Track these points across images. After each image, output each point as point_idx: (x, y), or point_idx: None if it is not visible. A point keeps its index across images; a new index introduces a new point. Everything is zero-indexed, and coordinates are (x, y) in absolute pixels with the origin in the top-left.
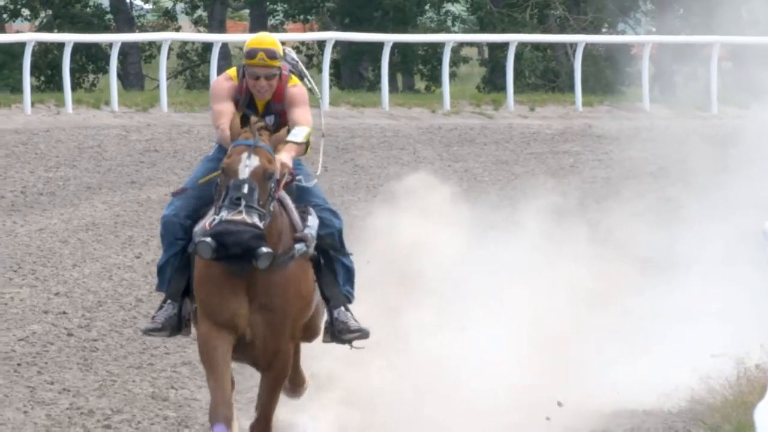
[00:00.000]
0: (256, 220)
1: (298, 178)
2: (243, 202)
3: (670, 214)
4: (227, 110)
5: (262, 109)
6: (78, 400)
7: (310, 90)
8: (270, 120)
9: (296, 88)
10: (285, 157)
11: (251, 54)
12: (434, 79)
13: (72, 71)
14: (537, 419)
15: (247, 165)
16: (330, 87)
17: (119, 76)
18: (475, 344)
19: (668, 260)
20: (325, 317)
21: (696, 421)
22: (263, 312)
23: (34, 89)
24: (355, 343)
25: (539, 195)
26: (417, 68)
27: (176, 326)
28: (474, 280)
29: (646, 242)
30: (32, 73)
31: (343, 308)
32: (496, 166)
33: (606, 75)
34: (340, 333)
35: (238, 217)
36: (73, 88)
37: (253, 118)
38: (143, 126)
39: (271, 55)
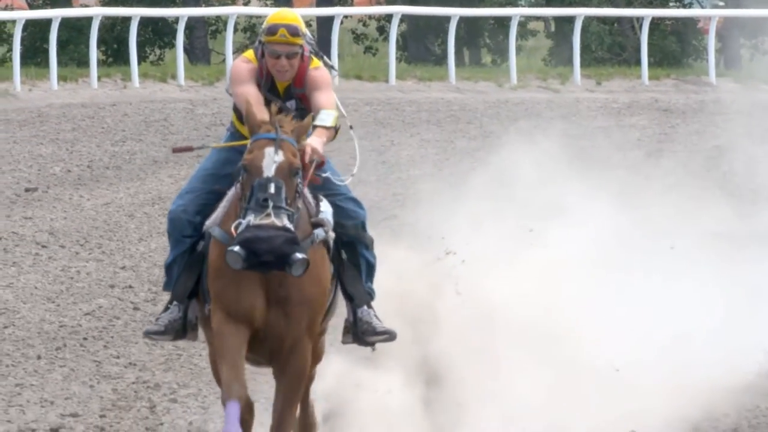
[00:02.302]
0: (285, 222)
1: (325, 174)
2: (270, 204)
3: (736, 187)
4: (252, 92)
5: (283, 92)
6: (144, 374)
7: (331, 68)
8: (291, 105)
9: (318, 71)
10: (316, 141)
11: (272, 30)
12: (501, 53)
13: (138, 45)
14: (604, 395)
15: (272, 161)
16: (398, 61)
17: (185, 51)
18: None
19: (733, 234)
20: (346, 317)
21: (764, 396)
22: (281, 303)
23: (101, 63)
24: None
25: (605, 169)
26: (484, 42)
27: (180, 330)
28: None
29: (712, 216)
30: (98, 47)
31: (366, 307)
32: (562, 140)
33: (672, 49)
34: (364, 334)
35: (266, 221)
36: (139, 62)
37: (273, 106)
38: (209, 100)
39: (294, 31)
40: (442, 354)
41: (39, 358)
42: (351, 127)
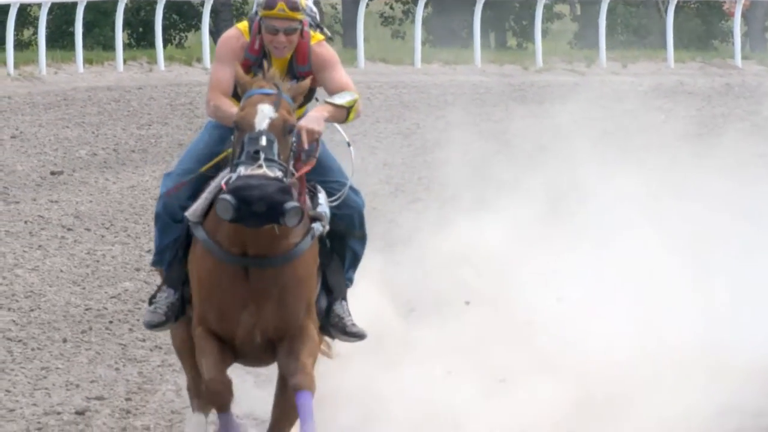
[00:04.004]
0: (278, 173)
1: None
2: (262, 155)
3: (763, 169)
4: (223, 78)
5: (281, 69)
6: (169, 357)
7: (329, 39)
8: (292, 84)
9: (323, 47)
10: (312, 119)
11: (270, 4)
12: (526, 35)
13: (163, 28)
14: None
15: (265, 116)
16: (423, 44)
17: (211, 33)
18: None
19: (759, 217)
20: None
21: None
22: (271, 309)
23: (126, 47)
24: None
25: (631, 152)
26: (509, 25)
27: (180, 311)
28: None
29: (738, 198)
30: (123, 30)
31: (342, 300)
32: (587, 123)
33: (698, 32)
34: (333, 327)
35: (258, 172)
36: (165, 46)
37: (266, 62)
38: None
39: (293, 6)
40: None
41: (65, 341)
42: (349, 144)
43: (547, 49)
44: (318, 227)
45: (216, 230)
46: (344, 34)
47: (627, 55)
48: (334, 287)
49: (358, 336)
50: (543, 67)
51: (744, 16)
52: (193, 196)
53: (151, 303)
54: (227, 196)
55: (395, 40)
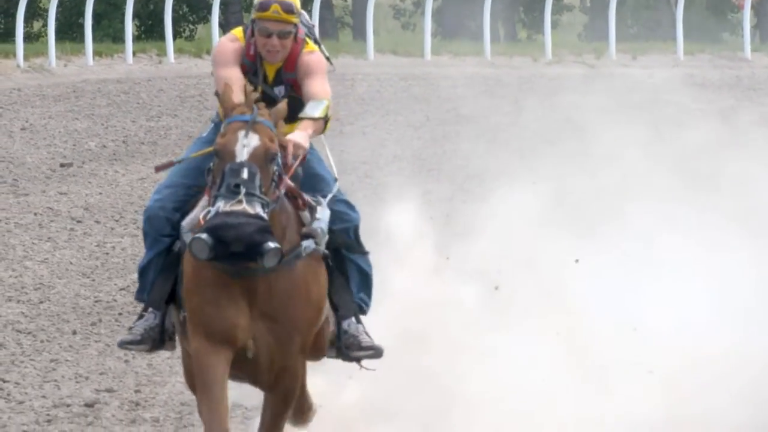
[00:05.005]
0: (258, 209)
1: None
2: (242, 190)
3: None
4: (233, 76)
5: (273, 77)
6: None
7: (327, 58)
8: (280, 91)
9: (313, 55)
10: (300, 135)
11: (264, 6)
12: (536, 27)
13: (173, 20)
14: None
15: (246, 145)
16: (433, 37)
17: (221, 26)
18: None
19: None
20: (331, 329)
21: None
22: (266, 322)
23: (136, 39)
24: (366, 362)
25: (640, 145)
26: (519, 17)
27: (158, 339)
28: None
29: (747, 193)
30: (133, 22)
31: (353, 319)
32: (597, 115)
33: (708, 24)
34: (348, 349)
35: (237, 208)
36: (174, 38)
37: (248, 88)
38: None
39: (288, 8)
40: None
41: (74, 333)
42: (335, 179)
43: (557, 41)
44: (309, 245)
45: None
46: (354, 26)
47: (637, 47)
48: (340, 305)
49: (374, 349)
50: (553, 59)
51: (754, 8)
52: (180, 209)
53: (132, 329)
54: (203, 236)
55: (405, 32)
